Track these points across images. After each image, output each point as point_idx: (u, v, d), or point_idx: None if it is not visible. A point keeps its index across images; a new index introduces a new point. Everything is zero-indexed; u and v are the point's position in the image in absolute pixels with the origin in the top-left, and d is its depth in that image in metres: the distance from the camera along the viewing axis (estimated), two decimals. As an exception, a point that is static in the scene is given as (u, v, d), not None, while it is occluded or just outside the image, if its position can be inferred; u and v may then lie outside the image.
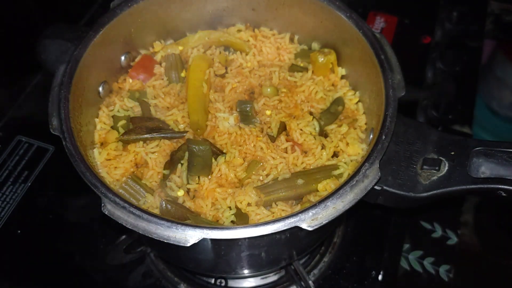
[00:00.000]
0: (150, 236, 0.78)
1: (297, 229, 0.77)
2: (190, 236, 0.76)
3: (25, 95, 1.49)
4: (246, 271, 1.05)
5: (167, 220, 0.78)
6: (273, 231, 0.76)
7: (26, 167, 1.33)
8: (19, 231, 1.23)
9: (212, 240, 0.77)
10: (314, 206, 0.79)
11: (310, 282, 1.11)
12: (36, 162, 1.34)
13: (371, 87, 1.02)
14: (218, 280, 1.20)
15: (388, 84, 0.92)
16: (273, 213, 0.95)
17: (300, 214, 0.78)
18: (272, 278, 1.21)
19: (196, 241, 0.76)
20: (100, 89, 1.07)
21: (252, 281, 1.20)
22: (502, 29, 1.85)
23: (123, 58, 1.12)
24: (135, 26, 1.10)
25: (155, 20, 1.13)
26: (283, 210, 0.95)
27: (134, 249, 1.16)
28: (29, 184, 1.31)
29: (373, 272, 1.19)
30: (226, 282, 1.20)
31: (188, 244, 0.76)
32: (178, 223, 0.78)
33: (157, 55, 1.17)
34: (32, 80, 1.51)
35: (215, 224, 0.93)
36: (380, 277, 1.18)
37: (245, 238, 0.77)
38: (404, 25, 1.65)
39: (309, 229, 0.77)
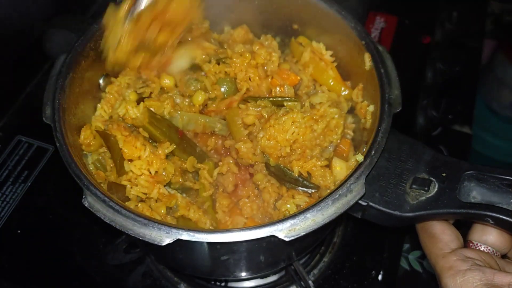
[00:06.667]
0: (126, 232, 0.78)
1: (273, 238, 0.76)
2: (165, 236, 0.76)
3: (25, 95, 1.49)
4: (243, 274, 1.05)
5: (145, 218, 0.78)
6: (248, 239, 0.75)
7: (26, 167, 1.33)
8: (19, 231, 1.23)
9: (187, 241, 0.77)
10: (293, 216, 0.77)
11: (310, 282, 1.11)
12: (36, 162, 1.34)
13: (369, 100, 1.01)
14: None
15: (385, 99, 0.91)
16: None
17: (278, 224, 0.77)
18: (272, 278, 1.21)
19: (171, 241, 0.75)
20: (101, 81, 1.07)
21: (252, 281, 1.20)
22: (502, 29, 1.85)
23: None
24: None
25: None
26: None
27: (134, 249, 1.16)
28: (29, 184, 1.30)
29: (373, 272, 1.19)
30: (226, 282, 1.20)
31: (163, 244, 0.75)
32: (155, 222, 0.77)
33: None
34: (33, 80, 1.52)
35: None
36: (380, 277, 1.18)
37: (220, 243, 0.77)
38: (404, 25, 1.65)
39: (286, 239, 0.76)
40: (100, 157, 0.98)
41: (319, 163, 0.96)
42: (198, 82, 1.06)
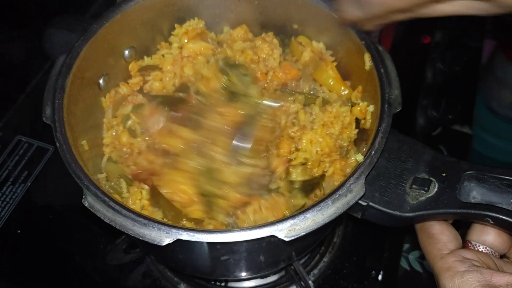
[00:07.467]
0: (126, 232, 0.77)
1: (273, 238, 0.76)
2: (165, 236, 0.76)
3: (25, 95, 1.49)
4: (243, 274, 1.05)
5: (145, 218, 0.78)
6: (248, 239, 0.75)
7: (26, 167, 1.33)
8: (19, 231, 1.23)
9: (187, 241, 0.76)
10: (293, 216, 0.77)
11: (310, 282, 1.11)
12: (36, 162, 1.34)
13: (369, 100, 1.01)
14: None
15: (385, 99, 0.90)
16: None
17: (278, 224, 0.76)
18: (272, 278, 1.21)
19: (171, 241, 0.75)
20: (101, 81, 1.07)
21: (252, 281, 1.20)
22: (502, 29, 1.85)
23: (126, 52, 1.11)
24: (140, 21, 1.10)
25: (161, 17, 1.13)
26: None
27: (134, 249, 1.16)
28: (29, 184, 1.31)
29: (373, 272, 1.19)
30: (226, 282, 1.20)
31: (163, 244, 0.75)
32: (155, 222, 0.77)
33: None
34: (33, 80, 1.52)
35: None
36: (380, 277, 1.18)
37: (220, 243, 0.76)
38: (404, 25, 1.65)
39: (286, 239, 0.76)
40: (113, 183, 0.98)
41: (348, 159, 0.98)
42: (247, 76, 1.03)
